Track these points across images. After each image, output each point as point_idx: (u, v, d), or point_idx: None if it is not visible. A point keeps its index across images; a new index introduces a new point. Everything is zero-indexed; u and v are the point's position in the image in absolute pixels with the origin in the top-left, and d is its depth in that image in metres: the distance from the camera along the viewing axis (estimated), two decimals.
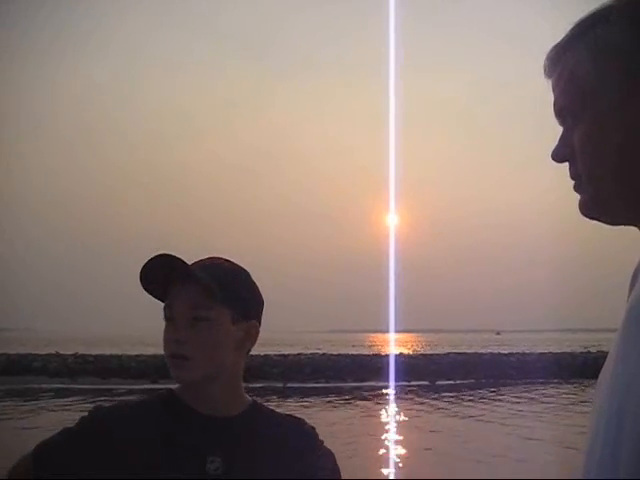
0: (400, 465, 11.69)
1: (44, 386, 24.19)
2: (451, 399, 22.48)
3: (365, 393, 24.18)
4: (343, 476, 1.47)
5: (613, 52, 0.80)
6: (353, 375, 27.86)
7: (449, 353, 36.55)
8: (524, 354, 36.01)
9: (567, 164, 0.85)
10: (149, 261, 1.35)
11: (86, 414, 1.40)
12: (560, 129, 0.86)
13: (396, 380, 25.70)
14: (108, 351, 33.22)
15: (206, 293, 1.35)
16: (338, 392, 24.04)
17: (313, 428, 1.48)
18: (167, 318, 1.38)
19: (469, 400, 22.20)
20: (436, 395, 23.59)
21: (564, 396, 23.14)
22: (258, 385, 22.39)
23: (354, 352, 37.94)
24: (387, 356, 33.15)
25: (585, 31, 0.83)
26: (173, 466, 1.32)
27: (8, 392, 22.15)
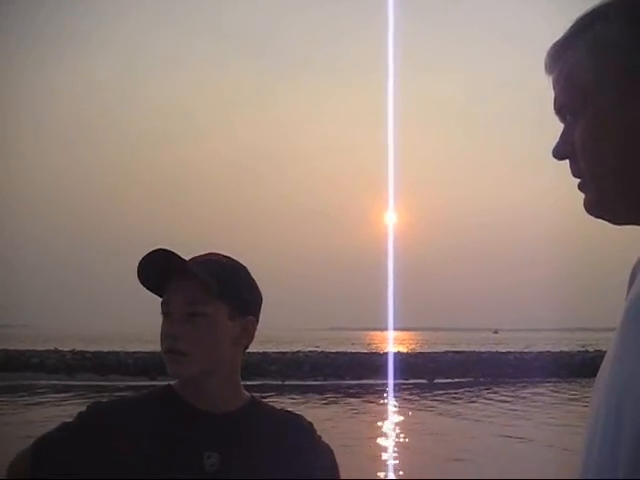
0: (375, 462, 11.65)
1: (42, 382, 24.18)
2: (442, 397, 22.50)
3: (351, 390, 24.20)
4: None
5: (612, 50, 0.80)
6: (351, 373, 27.87)
7: (447, 351, 36.55)
8: (522, 353, 36.02)
9: (567, 162, 0.85)
10: (146, 256, 1.35)
11: (84, 409, 1.40)
12: (559, 128, 0.86)
13: (394, 378, 25.70)
14: (106, 348, 33.15)
15: (203, 288, 1.35)
16: (333, 389, 24.06)
17: (311, 424, 1.49)
18: (164, 313, 1.38)
19: (459, 398, 22.20)
20: (427, 393, 23.58)
21: (556, 395, 23.15)
22: (256, 383, 22.38)
23: (352, 350, 37.93)
24: (385, 354, 33.16)
25: (584, 29, 0.83)
26: (170, 461, 1.32)
27: (6, 388, 22.14)
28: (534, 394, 23.67)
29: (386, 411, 19.12)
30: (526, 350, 39.57)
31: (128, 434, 1.34)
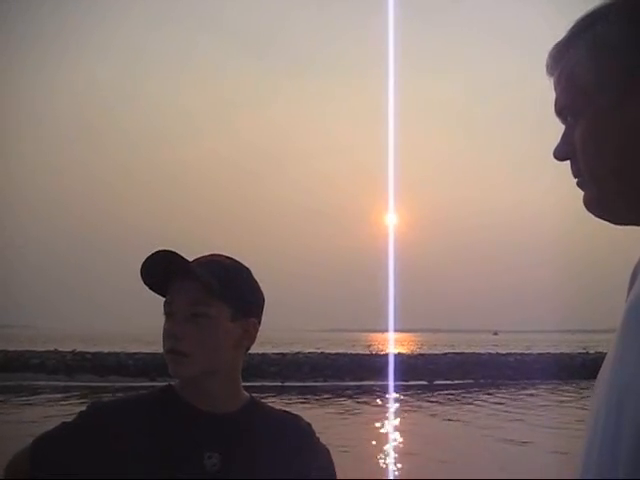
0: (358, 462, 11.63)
1: (42, 383, 24.18)
2: (436, 399, 22.51)
3: (348, 391, 24.17)
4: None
5: (612, 50, 0.80)
6: (351, 374, 27.84)
7: (447, 353, 36.55)
8: (522, 354, 36.03)
9: (567, 163, 0.85)
10: (150, 257, 1.36)
11: (84, 408, 1.40)
12: (560, 128, 0.86)
13: (394, 380, 25.70)
14: (106, 349, 33.16)
15: (205, 290, 1.35)
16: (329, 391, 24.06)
17: (309, 425, 1.50)
18: (167, 313, 1.39)
19: (454, 400, 22.18)
20: (423, 395, 23.58)
21: (552, 397, 23.14)
22: (255, 384, 22.38)
23: (352, 351, 37.93)
24: (385, 355, 33.16)
25: (585, 30, 0.83)
26: (171, 461, 1.32)
27: (5, 389, 22.13)
28: (530, 395, 23.65)
29: (381, 412, 19.10)
30: (526, 352, 39.57)
31: (128, 434, 1.33)
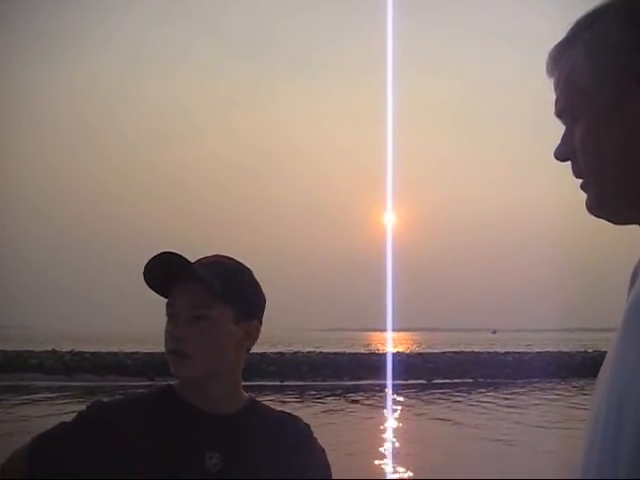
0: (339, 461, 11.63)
1: (40, 383, 24.15)
2: (424, 397, 22.51)
3: (339, 390, 24.19)
4: None
5: (611, 51, 0.80)
6: (350, 374, 27.86)
7: (445, 352, 36.57)
8: (521, 353, 36.05)
9: (567, 163, 0.85)
10: (153, 258, 1.36)
11: (84, 408, 1.40)
12: (559, 128, 0.86)
13: (393, 379, 25.70)
14: (105, 348, 33.14)
15: (209, 292, 1.35)
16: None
17: (308, 425, 1.50)
18: (169, 315, 1.39)
19: (445, 399, 22.20)
20: (415, 394, 23.59)
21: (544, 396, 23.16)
22: (254, 383, 22.37)
23: (351, 350, 37.93)
24: (384, 355, 33.16)
25: (584, 30, 0.83)
26: (172, 461, 1.32)
27: (3, 389, 22.11)
28: (520, 394, 23.65)
29: (373, 411, 19.11)
30: (525, 350, 39.59)
31: (129, 434, 1.33)
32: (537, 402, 21.31)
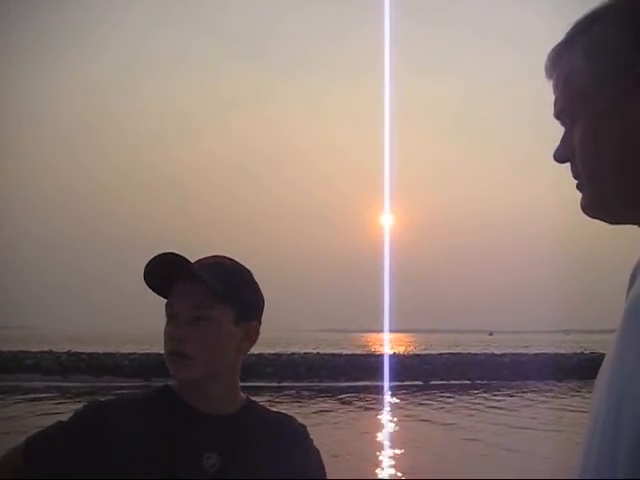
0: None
1: (36, 384, 24.08)
2: (419, 399, 22.48)
3: (330, 391, 24.17)
4: None
5: (610, 52, 0.80)
6: (347, 375, 27.85)
7: (443, 353, 36.59)
8: (517, 355, 36.08)
9: (566, 164, 0.85)
10: (153, 259, 1.35)
11: (80, 408, 1.39)
12: (559, 128, 0.86)
13: (390, 380, 25.69)
14: (102, 349, 33.08)
15: (209, 293, 1.35)
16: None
17: (304, 426, 1.51)
18: (169, 315, 1.38)
19: (439, 400, 22.16)
20: (412, 395, 23.56)
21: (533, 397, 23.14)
22: (251, 384, 22.35)
23: (348, 352, 37.92)
24: (381, 356, 33.16)
25: (583, 31, 0.83)
26: (170, 461, 1.32)
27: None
28: (511, 395, 23.64)
29: (343, 413, 19.08)
30: (522, 352, 39.62)
31: (125, 433, 1.33)
32: (528, 404, 21.31)
